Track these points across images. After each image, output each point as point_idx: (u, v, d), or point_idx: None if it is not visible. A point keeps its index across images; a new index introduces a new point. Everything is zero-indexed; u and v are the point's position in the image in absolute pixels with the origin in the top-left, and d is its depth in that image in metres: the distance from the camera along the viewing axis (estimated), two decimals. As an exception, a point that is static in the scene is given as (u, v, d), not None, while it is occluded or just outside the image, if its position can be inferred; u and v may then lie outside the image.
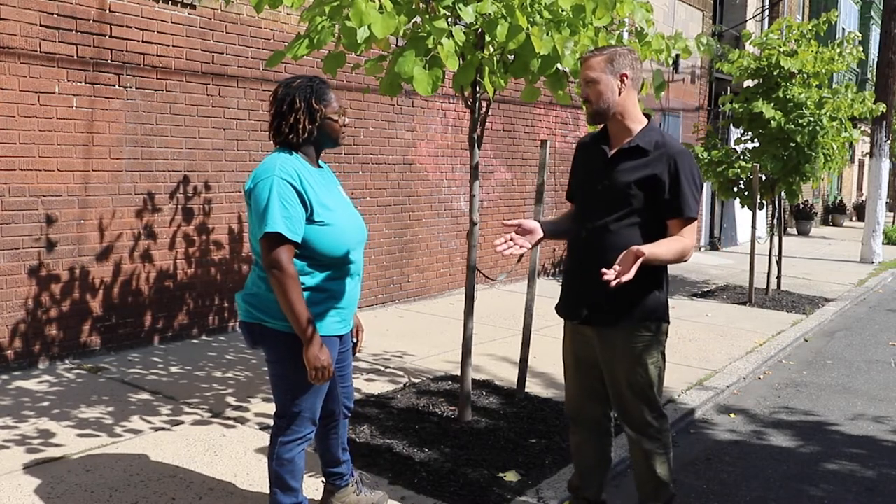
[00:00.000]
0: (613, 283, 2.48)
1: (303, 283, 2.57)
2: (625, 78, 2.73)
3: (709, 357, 6.03)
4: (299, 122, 2.61)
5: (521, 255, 4.85)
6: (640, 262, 2.49)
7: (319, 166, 2.75)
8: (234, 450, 3.75)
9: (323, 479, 3.10)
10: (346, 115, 2.74)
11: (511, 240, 2.81)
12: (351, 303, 2.76)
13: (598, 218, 2.79)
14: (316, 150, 2.72)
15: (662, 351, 2.87)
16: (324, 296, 2.64)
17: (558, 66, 3.63)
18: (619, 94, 2.74)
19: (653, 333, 2.81)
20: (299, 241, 2.54)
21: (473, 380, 4.75)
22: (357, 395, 4.60)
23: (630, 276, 2.48)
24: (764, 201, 9.17)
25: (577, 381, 3.01)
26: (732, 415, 4.87)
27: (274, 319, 2.60)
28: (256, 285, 2.66)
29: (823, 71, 8.55)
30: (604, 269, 2.51)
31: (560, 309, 2.99)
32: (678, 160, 2.70)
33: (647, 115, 2.85)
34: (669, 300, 2.92)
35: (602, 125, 2.87)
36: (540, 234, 2.88)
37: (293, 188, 2.53)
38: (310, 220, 2.57)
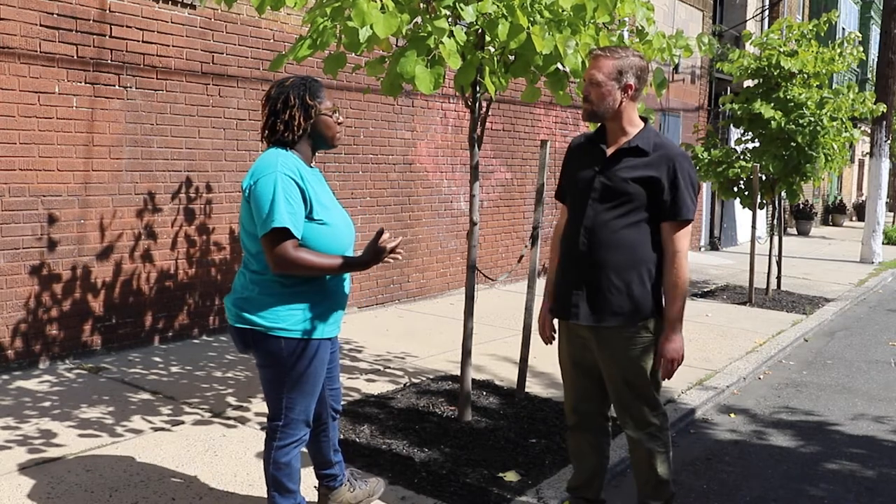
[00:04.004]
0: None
1: (297, 286, 2.57)
2: (629, 89, 2.74)
3: (709, 357, 6.04)
4: (294, 118, 2.61)
5: (522, 256, 4.87)
6: (676, 352, 2.75)
7: (312, 167, 2.74)
8: (234, 450, 3.75)
9: (317, 481, 3.10)
10: (340, 115, 2.74)
11: (550, 337, 3.08)
12: (343, 304, 2.75)
13: (593, 216, 2.78)
14: (312, 150, 2.72)
15: None
16: (319, 297, 2.63)
17: (559, 65, 3.63)
18: (620, 104, 2.75)
19: (650, 331, 2.81)
20: (300, 239, 2.53)
21: (473, 380, 4.75)
22: (357, 396, 4.61)
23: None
24: (764, 201, 9.17)
25: (575, 383, 3.01)
26: (733, 415, 4.87)
27: (265, 323, 2.57)
28: (247, 289, 2.62)
29: (824, 71, 8.54)
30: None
31: (554, 310, 2.99)
32: (677, 163, 2.72)
33: (645, 119, 2.86)
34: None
35: (599, 124, 2.88)
36: (550, 314, 3.04)
37: (296, 184, 2.52)
38: (308, 217, 2.56)
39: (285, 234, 2.48)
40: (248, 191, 2.56)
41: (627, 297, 2.74)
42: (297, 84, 2.64)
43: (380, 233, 2.64)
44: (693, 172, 2.78)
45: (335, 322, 2.72)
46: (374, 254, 2.63)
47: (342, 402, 3.12)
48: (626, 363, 2.81)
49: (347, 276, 2.75)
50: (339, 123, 2.72)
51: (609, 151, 2.81)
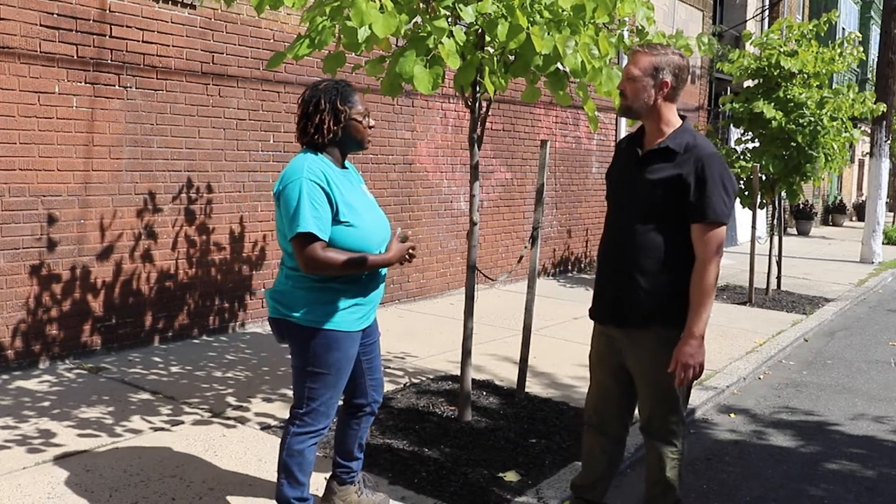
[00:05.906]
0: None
1: (329, 281, 2.68)
2: (665, 86, 2.70)
3: (709, 357, 5.97)
4: (324, 122, 2.70)
5: (522, 256, 4.87)
6: (692, 357, 2.64)
7: (344, 167, 2.83)
8: (234, 450, 3.75)
9: (330, 471, 3.12)
10: (371, 119, 2.81)
11: None
12: (375, 299, 2.86)
13: (626, 219, 2.77)
14: (341, 152, 2.80)
15: None
16: (348, 294, 2.73)
17: (559, 65, 3.63)
18: (655, 101, 2.72)
19: (679, 336, 2.75)
20: (328, 241, 2.62)
21: (473, 380, 4.75)
22: (357, 395, 4.61)
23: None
24: (764, 201, 9.17)
25: (600, 384, 3.00)
26: (733, 415, 4.87)
27: (297, 314, 2.69)
28: (283, 283, 2.77)
29: (824, 71, 8.55)
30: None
31: (591, 311, 2.99)
32: (706, 162, 2.64)
33: (682, 117, 2.81)
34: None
35: (640, 125, 2.86)
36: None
37: (321, 189, 2.62)
38: (335, 220, 2.65)
39: (311, 237, 2.58)
40: (277, 195, 2.67)
41: (655, 301, 2.70)
42: (329, 88, 2.73)
43: (400, 233, 2.84)
44: (727, 174, 2.67)
45: (364, 316, 2.82)
46: (396, 250, 2.78)
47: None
48: (654, 367, 2.77)
49: (382, 272, 2.87)
50: (369, 127, 2.81)
51: (641, 153, 2.78)
